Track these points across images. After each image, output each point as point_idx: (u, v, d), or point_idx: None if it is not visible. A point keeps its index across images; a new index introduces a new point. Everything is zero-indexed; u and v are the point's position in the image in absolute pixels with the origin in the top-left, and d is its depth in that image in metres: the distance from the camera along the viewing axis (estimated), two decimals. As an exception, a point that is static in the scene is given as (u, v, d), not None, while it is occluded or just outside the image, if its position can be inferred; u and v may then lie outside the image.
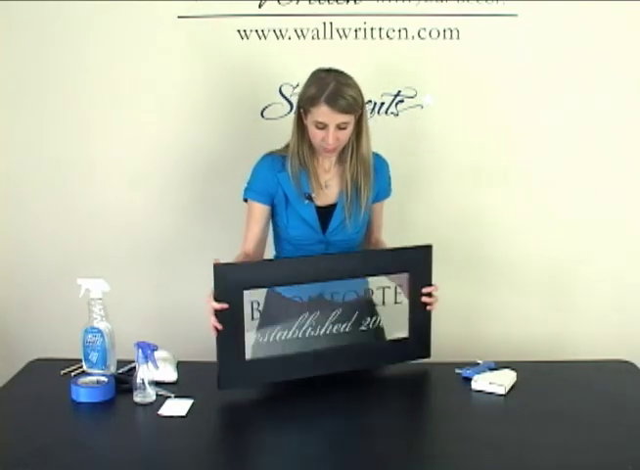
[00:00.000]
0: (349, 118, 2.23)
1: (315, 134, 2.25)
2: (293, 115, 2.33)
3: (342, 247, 2.38)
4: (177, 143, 2.89)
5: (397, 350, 2.27)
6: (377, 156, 2.42)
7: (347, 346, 2.21)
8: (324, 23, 2.79)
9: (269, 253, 2.47)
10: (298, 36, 2.80)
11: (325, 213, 2.37)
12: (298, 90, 2.62)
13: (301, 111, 2.28)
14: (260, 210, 2.36)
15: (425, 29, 2.79)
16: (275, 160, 2.35)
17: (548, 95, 2.84)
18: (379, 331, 2.31)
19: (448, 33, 2.79)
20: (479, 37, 2.79)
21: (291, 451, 1.84)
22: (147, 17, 2.79)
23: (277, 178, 2.34)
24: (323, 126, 2.21)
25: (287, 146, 2.37)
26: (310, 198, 2.35)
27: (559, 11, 2.77)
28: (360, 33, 2.80)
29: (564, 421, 1.97)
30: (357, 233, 2.41)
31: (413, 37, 2.80)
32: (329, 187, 2.38)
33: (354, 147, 2.33)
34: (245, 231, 2.37)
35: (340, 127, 2.22)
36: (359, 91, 2.24)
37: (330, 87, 2.18)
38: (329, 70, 2.25)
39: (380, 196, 2.47)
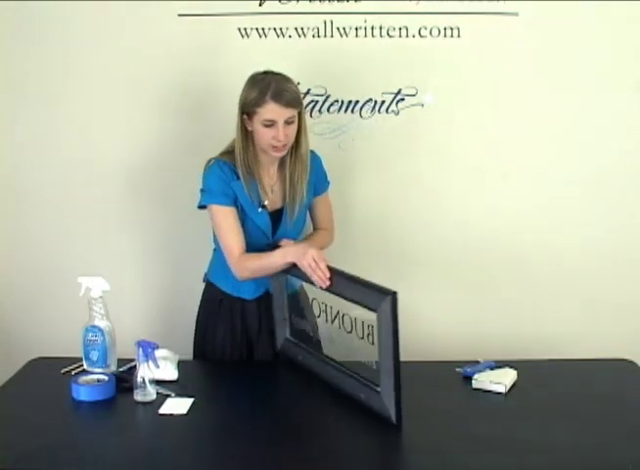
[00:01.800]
0: (294, 112, 2.29)
1: (264, 134, 2.28)
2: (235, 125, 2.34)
3: None
4: (178, 141, 2.89)
5: None
6: (311, 152, 2.46)
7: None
8: (324, 22, 2.79)
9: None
10: (299, 35, 2.79)
11: (274, 218, 2.42)
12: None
13: (244, 117, 2.31)
14: (232, 211, 2.34)
15: (425, 28, 2.79)
16: (226, 167, 2.35)
17: (549, 94, 2.83)
18: None
19: (449, 32, 2.79)
20: (479, 36, 2.79)
21: (291, 449, 1.84)
22: (147, 15, 2.79)
23: (231, 186, 2.34)
24: (272, 124, 2.26)
25: (228, 152, 2.38)
26: (264, 206, 2.39)
27: (559, 10, 2.76)
28: (361, 32, 2.79)
29: (564, 420, 1.97)
30: (298, 233, 2.49)
31: (414, 36, 2.79)
32: (274, 192, 2.43)
33: (293, 146, 2.37)
34: (226, 235, 2.34)
35: (287, 122, 2.27)
36: (297, 87, 2.33)
37: (272, 85, 2.26)
38: (264, 73, 2.32)
39: (318, 189, 2.51)
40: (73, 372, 2.24)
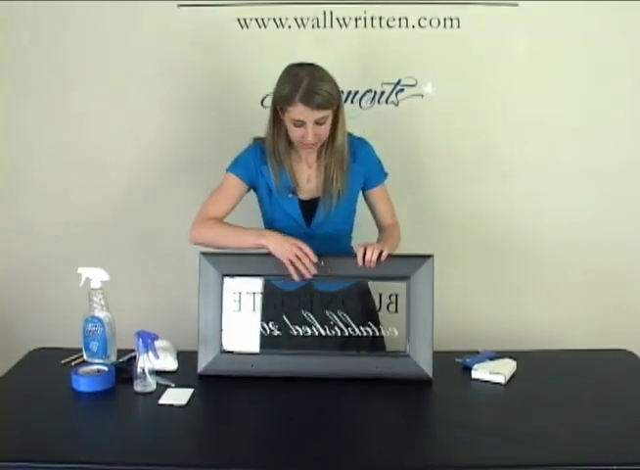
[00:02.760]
0: (327, 113, 2.21)
1: (293, 132, 2.24)
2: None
3: (328, 239, 2.34)
4: (177, 133, 2.89)
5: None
6: (359, 141, 2.40)
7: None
8: (324, 12, 2.78)
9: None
10: (298, 25, 2.79)
11: (309, 207, 2.37)
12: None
13: (278, 108, 2.26)
14: (237, 186, 2.34)
15: (425, 18, 2.78)
16: (260, 150, 2.35)
17: (548, 84, 2.83)
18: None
19: (449, 22, 2.78)
20: (479, 26, 2.79)
21: (291, 440, 1.84)
22: (147, 5, 2.78)
23: (260, 170, 2.34)
24: (301, 124, 2.20)
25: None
26: (294, 192, 2.35)
27: (559, 0, 2.76)
28: (360, 22, 2.79)
29: (564, 410, 1.97)
30: (344, 223, 2.42)
31: (413, 26, 2.79)
32: (311, 181, 2.38)
33: (329, 139, 2.31)
34: (211, 202, 2.33)
35: (318, 123, 2.21)
36: (334, 84, 2.22)
37: (304, 84, 2.16)
38: (301, 65, 2.23)
39: (372, 182, 2.43)
40: (73, 363, 2.24)
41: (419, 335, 2.14)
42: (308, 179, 2.38)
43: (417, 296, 2.16)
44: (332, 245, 2.34)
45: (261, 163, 2.33)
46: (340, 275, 2.21)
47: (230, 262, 2.21)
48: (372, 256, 2.14)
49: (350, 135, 2.37)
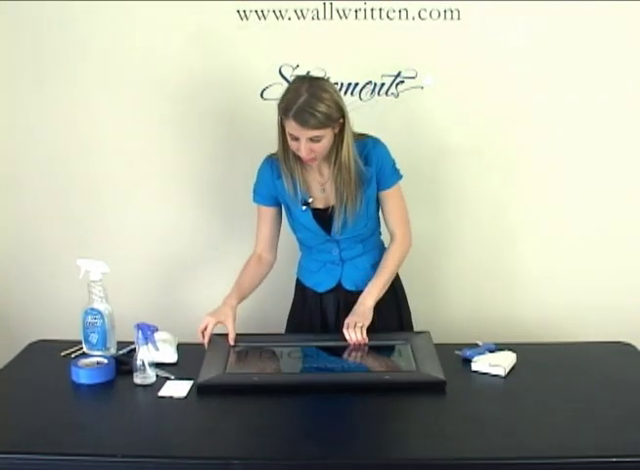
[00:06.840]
0: (320, 133, 2.18)
1: (291, 144, 2.24)
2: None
3: (353, 242, 2.40)
4: (176, 125, 2.88)
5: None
6: (373, 142, 2.37)
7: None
8: (324, 4, 2.77)
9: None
10: (298, 17, 2.78)
11: (325, 215, 2.37)
12: (298, 72, 2.63)
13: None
14: (267, 212, 2.42)
15: (425, 10, 2.77)
16: (273, 165, 2.36)
17: (548, 76, 2.82)
18: None
19: (449, 14, 2.77)
20: (479, 18, 2.77)
21: (291, 432, 1.85)
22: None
23: (275, 184, 2.35)
24: (296, 138, 2.20)
25: None
26: (307, 203, 2.35)
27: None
28: (360, 14, 2.77)
29: (563, 402, 1.98)
30: (365, 227, 2.39)
31: (413, 18, 2.77)
32: (325, 191, 2.38)
33: (336, 154, 2.28)
34: (256, 232, 2.46)
35: (312, 140, 2.18)
36: (334, 103, 2.19)
37: (299, 102, 2.14)
38: (307, 79, 2.26)
39: (383, 184, 2.38)
40: (73, 355, 2.25)
41: (425, 359, 2.17)
42: (322, 189, 2.38)
43: (421, 352, 2.22)
44: (359, 246, 2.43)
45: (275, 177, 2.35)
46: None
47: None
48: (357, 336, 2.24)
49: (364, 137, 2.36)
